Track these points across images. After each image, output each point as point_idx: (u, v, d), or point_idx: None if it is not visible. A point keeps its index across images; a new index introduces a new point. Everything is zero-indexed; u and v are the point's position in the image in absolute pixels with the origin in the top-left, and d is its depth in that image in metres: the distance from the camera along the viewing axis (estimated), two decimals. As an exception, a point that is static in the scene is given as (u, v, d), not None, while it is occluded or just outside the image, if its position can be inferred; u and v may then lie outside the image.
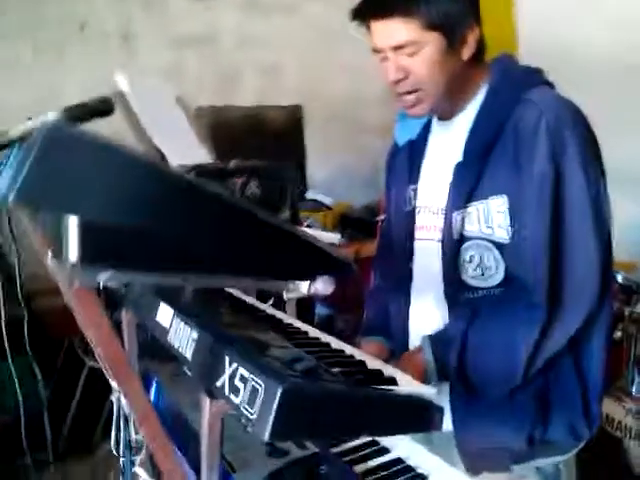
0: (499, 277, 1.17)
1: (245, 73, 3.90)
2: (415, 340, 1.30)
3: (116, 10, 3.57)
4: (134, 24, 3.61)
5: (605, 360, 1.21)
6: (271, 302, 1.58)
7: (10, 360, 1.11)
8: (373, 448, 1.05)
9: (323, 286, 1.49)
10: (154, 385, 1.27)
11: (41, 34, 3.39)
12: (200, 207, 0.62)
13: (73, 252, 0.59)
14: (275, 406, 0.61)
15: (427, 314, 1.27)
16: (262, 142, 3.76)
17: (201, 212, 0.62)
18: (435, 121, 1.32)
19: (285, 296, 1.12)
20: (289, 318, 1.16)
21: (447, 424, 1.22)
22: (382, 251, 1.48)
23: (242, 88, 3.89)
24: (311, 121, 4.02)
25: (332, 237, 0.83)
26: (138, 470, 1.23)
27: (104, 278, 0.68)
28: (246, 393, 0.66)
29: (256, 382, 0.65)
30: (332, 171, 3.97)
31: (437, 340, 1.19)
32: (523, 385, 1.16)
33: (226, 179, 2.21)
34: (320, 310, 3.56)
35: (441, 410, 0.79)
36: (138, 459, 1.23)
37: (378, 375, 0.86)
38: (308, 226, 3.10)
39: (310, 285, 1.54)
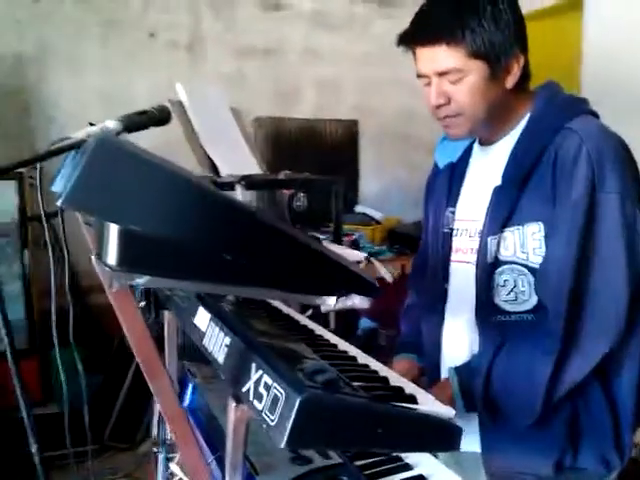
0: (532, 303, 1.17)
1: (305, 86, 3.97)
2: (447, 360, 1.31)
3: (185, 19, 3.70)
4: (201, 33, 3.74)
5: (638, 387, 1.19)
6: (310, 312, 1.61)
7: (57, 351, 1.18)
8: (397, 464, 1.06)
9: (360, 301, 1.51)
10: (190, 386, 1.32)
11: (112, 37, 3.55)
12: (233, 223, 0.66)
13: (112, 257, 0.64)
14: (293, 415, 0.64)
15: (459, 335, 1.27)
16: (318, 154, 3.82)
17: (234, 228, 0.66)
18: (476, 145, 1.33)
19: (322, 308, 1.15)
20: (322, 330, 1.18)
21: (476, 446, 1.23)
22: (418, 270, 1.49)
23: (301, 100, 3.96)
24: (366, 135, 4.06)
25: (358, 255, 0.85)
26: (173, 467, 1.27)
27: (141, 282, 0.72)
28: (268, 400, 0.69)
29: (278, 390, 0.68)
30: (384, 186, 4.00)
31: (463, 371, 1.20)
32: (552, 411, 1.16)
33: (275, 190, 2.27)
34: (364, 323, 3.57)
35: (459, 431, 0.80)
36: (176, 457, 1.28)
37: (398, 392, 0.87)
38: (355, 240, 3.12)
39: (347, 299, 1.56)
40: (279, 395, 0.67)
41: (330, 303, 0.84)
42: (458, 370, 1.21)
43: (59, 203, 0.60)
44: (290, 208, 2.77)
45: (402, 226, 3.46)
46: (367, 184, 4.07)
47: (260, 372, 0.72)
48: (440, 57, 1.14)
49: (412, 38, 1.18)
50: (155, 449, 1.35)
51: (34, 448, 1.03)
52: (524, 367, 1.14)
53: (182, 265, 0.67)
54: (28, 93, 3.43)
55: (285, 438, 0.65)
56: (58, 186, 0.78)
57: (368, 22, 4.02)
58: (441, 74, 1.15)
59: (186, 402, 1.31)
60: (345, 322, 3.29)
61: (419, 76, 1.20)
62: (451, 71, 1.14)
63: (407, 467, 1.05)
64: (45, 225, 1.03)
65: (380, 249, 3.31)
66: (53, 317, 1.15)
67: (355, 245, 3.14)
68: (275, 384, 0.69)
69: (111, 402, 2.89)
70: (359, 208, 3.67)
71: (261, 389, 0.71)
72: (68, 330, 1.17)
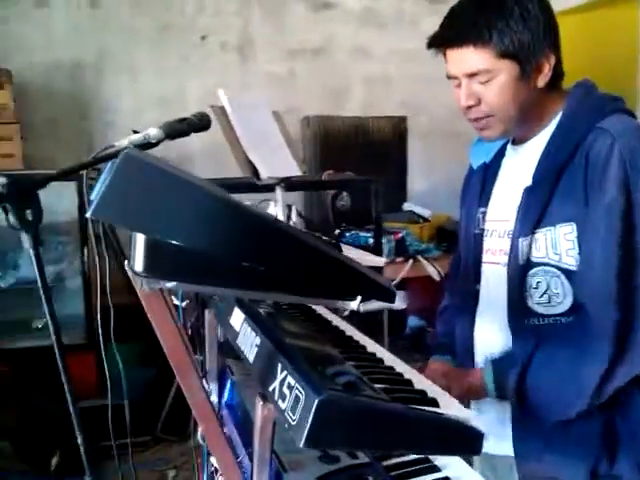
0: (567, 305, 1.16)
1: (354, 84, 3.98)
2: (481, 363, 1.30)
3: (235, 21, 3.77)
4: (251, 34, 3.80)
5: None
6: (347, 312, 1.64)
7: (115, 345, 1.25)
8: (425, 465, 1.08)
9: (397, 301, 1.53)
10: (229, 382, 1.36)
11: (166, 41, 3.65)
12: (252, 232, 0.69)
13: (139, 264, 0.68)
14: (312, 415, 0.67)
15: (491, 337, 1.27)
16: (366, 151, 3.83)
17: (253, 237, 0.69)
18: (509, 145, 1.32)
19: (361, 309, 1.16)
20: (353, 331, 1.20)
21: (509, 449, 1.23)
22: (453, 271, 1.49)
23: (350, 98, 3.98)
24: (415, 132, 4.04)
25: (377, 260, 0.86)
26: (213, 461, 1.32)
27: (169, 286, 0.77)
28: (290, 400, 0.72)
29: (299, 391, 0.71)
30: (433, 183, 3.97)
31: (500, 361, 1.21)
32: (588, 419, 1.14)
33: (318, 190, 2.30)
34: (412, 322, 3.57)
35: (480, 435, 0.81)
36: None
37: (420, 395, 0.88)
38: (402, 237, 3.12)
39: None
40: (300, 395, 0.70)
41: (353, 307, 0.86)
42: (495, 360, 1.22)
43: (88, 215, 0.65)
44: (333, 208, 2.81)
45: (451, 223, 3.42)
46: (416, 181, 4.05)
47: (285, 372, 0.75)
48: (468, 58, 1.14)
49: (440, 40, 1.19)
50: (201, 442, 1.41)
51: (80, 439, 1.10)
52: (569, 366, 1.13)
53: (205, 272, 0.71)
54: (86, 98, 3.58)
55: (304, 437, 0.67)
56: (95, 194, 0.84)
57: (417, 18, 4.00)
58: (470, 75, 1.16)
59: (224, 398, 1.36)
60: (394, 320, 3.30)
61: (449, 77, 1.21)
62: (480, 72, 1.14)
63: (435, 469, 1.06)
64: (102, 224, 1.10)
65: (428, 247, 3.29)
66: (111, 313, 1.22)
67: (402, 243, 3.14)
68: (297, 385, 0.71)
69: (164, 395, 2.99)
70: (407, 206, 3.65)
71: (285, 389, 0.74)
72: (124, 326, 1.25)
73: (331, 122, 3.82)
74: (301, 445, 0.68)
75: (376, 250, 2.58)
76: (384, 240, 3.07)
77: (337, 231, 3.18)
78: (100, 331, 1.26)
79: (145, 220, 0.65)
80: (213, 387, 1.38)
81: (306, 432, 0.67)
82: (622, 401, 1.15)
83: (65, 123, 3.51)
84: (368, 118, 3.91)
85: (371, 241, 3.01)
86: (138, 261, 0.69)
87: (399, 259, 3.15)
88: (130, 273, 0.74)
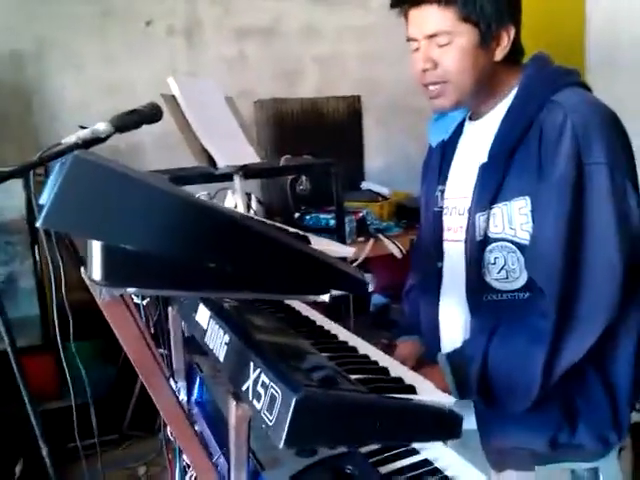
0: (522, 280, 1.16)
1: (307, 64, 3.93)
2: (445, 340, 1.31)
3: (180, 3, 3.66)
4: (199, 17, 3.70)
5: (636, 367, 1.18)
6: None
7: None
8: (402, 449, 1.07)
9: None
10: (198, 379, 1.33)
11: (109, 28, 3.52)
12: (214, 231, 0.66)
13: (97, 273, 0.64)
14: (290, 414, 0.64)
15: (454, 315, 1.27)
16: (322, 133, 3.80)
17: (215, 236, 0.66)
18: (466, 122, 1.31)
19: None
20: (323, 320, 1.18)
21: (473, 423, 1.24)
22: (417, 251, 1.49)
23: (304, 79, 3.92)
24: (370, 111, 4.02)
25: (347, 251, 0.85)
26: (185, 456, 1.30)
27: (130, 292, 0.73)
28: (266, 400, 0.70)
29: (275, 390, 0.69)
30: (391, 161, 3.97)
31: (455, 358, 1.19)
32: (547, 393, 1.15)
33: (276, 177, 2.26)
34: (376, 299, 3.58)
35: (460, 419, 0.80)
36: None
37: (398, 383, 0.87)
38: (363, 217, 3.11)
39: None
40: (276, 394, 0.68)
41: (324, 299, 0.84)
42: (450, 357, 1.20)
43: (38, 224, 0.60)
44: (294, 192, 2.78)
45: (410, 200, 3.43)
46: (373, 160, 4.03)
47: (258, 371, 0.73)
48: (430, 18, 1.14)
49: None
50: (171, 437, 1.38)
51: (44, 449, 1.06)
52: (519, 353, 1.13)
53: (167, 276, 0.67)
54: (29, 90, 3.43)
55: (283, 438, 0.65)
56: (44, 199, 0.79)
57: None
58: (430, 37, 1.15)
59: (194, 396, 1.33)
60: (358, 300, 3.31)
61: (408, 40, 1.20)
62: (440, 33, 1.14)
63: (413, 452, 1.06)
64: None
65: (388, 225, 3.29)
66: (67, 311, 1.18)
67: (363, 223, 3.13)
68: (272, 383, 0.69)
69: (129, 391, 2.93)
70: (365, 185, 3.64)
71: (259, 388, 0.72)
72: (82, 324, 1.20)
73: (285, 104, 3.76)
74: (280, 446, 0.66)
75: (339, 232, 2.56)
76: (345, 220, 3.05)
77: (297, 214, 3.15)
78: (57, 331, 1.22)
79: (100, 226, 0.61)
80: (181, 385, 1.35)
81: (285, 432, 0.65)
82: (579, 376, 1.16)
83: (7, 118, 3.36)
84: (322, 98, 3.87)
85: (332, 222, 2.99)
86: (96, 270, 0.65)
87: (360, 239, 3.14)
88: (88, 282, 0.70)
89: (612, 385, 1.18)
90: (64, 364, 1.25)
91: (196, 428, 1.36)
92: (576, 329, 1.09)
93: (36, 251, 2.99)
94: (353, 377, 0.83)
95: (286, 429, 0.65)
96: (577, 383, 1.17)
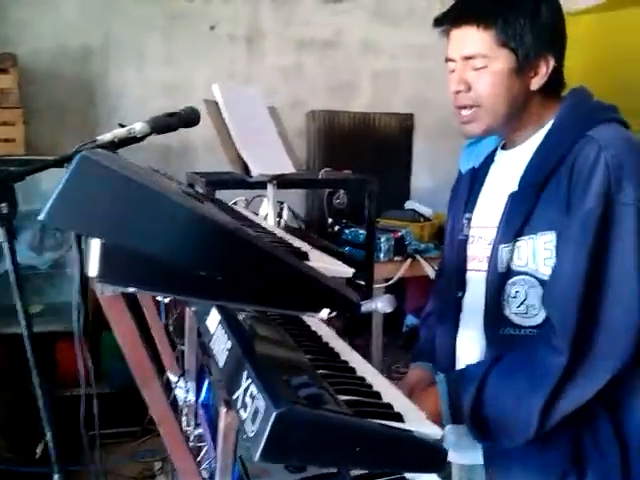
0: (541, 317, 1.14)
1: (363, 79, 3.95)
2: None
3: (244, 12, 3.74)
4: (260, 25, 3.77)
5: None
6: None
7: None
8: (395, 476, 1.06)
9: (382, 305, 1.51)
10: (206, 382, 1.35)
11: (174, 30, 3.63)
12: (209, 240, 0.67)
13: (93, 269, 0.67)
14: (268, 429, 0.65)
15: (471, 346, 1.25)
16: (371, 148, 3.80)
17: (210, 245, 0.67)
18: (498, 150, 1.30)
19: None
20: (330, 336, 1.18)
21: (480, 458, 1.21)
22: (439, 278, 1.47)
23: (358, 93, 3.94)
24: (421, 129, 4.00)
25: (346, 271, 0.85)
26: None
27: (130, 290, 0.75)
28: (251, 411, 0.70)
29: (259, 402, 0.69)
30: (437, 182, 3.93)
31: (454, 379, 1.17)
32: (556, 432, 1.11)
33: (311, 188, 2.27)
34: (409, 320, 3.55)
35: (444, 452, 0.79)
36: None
37: (386, 409, 0.87)
38: (402, 236, 3.09)
39: (371, 302, 1.56)
40: (260, 407, 0.68)
41: (322, 316, 0.85)
42: (448, 379, 1.18)
43: (40, 218, 0.63)
44: (330, 205, 2.79)
45: (453, 224, 3.38)
46: (420, 179, 4.01)
47: (249, 381, 0.73)
48: (469, 40, 1.14)
49: (446, 19, 1.19)
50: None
51: (48, 433, 1.10)
52: (519, 388, 1.10)
53: (162, 279, 0.69)
54: (93, 84, 3.57)
55: (259, 452, 0.66)
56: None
57: (428, 14, 3.93)
58: (467, 58, 1.15)
59: (201, 398, 1.35)
60: (391, 319, 3.29)
61: (447, 60, 1.20)
62: (477, 56, 1.14)
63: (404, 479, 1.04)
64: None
65: (427, 246, 3.25)
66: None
67: (401, 242, 3.11)
68: (259, 395, 0.70)
69: (162, 383, 2.97)
70: (409, 204, 3.62)
71: (247, 398, 0.72)
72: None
73: (337, 117, 3.78)
74: (256, 459, 0.67)
75: (368, 250, 2.55)
76: (383, 238, 3.05)
77: (337, 228, 3.16)
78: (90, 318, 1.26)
79: (98, 225, 0.64)
80: (191, 385, 1.38)
81: (262, 446, 0.66)
82: (590, 423, 1.12)
83: (70, 109, 3.50)
84: (374, 114, 3.87)
85: (369, 239, 2.98)
86: (93, 266, 0.67)
87: (398, 258, 3.12)
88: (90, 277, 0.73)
89: (624, 436, 1.13)
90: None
91: (200, 430, 1.39)
92: (589, 367, 1.06)
93: (82, 239, 3.08)
94: (342, 398, 0.82)
95: (263, 443, 0.65)
96: (588, 429, 1.13)
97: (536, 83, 1.16)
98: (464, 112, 1.19)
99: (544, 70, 1.15)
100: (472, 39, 1.14)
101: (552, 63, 1.16)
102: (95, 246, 0.68)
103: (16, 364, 2.77)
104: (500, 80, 1.14)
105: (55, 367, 2.88)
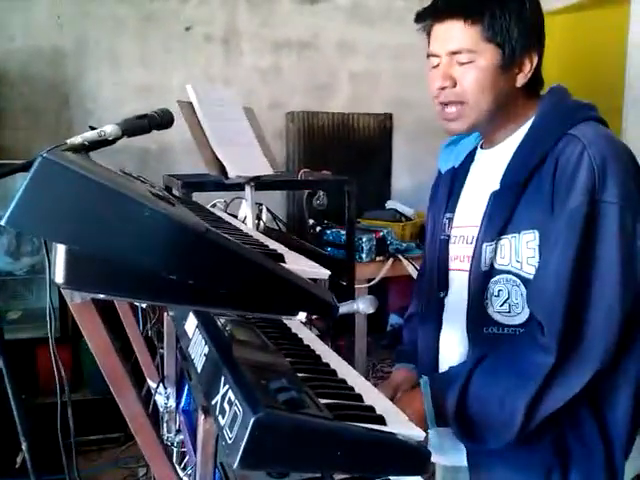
0: (525, 316, 1.13)
1: (340, 79, 3.94)
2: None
3: (220, 12, 3.71)
4: (237, 26, 3.74)
5: (635, 411, 1.13)
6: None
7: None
8: (380, 479, 1.04)
9: (364, 306, 1.49)
10: (186, 387, 1.33)
11: (149, 31, 3.59)
12: (178, 243, 0.65)
13: (59, 275, 0.64)
14: (247, 434, 0.63)
15: (455, 347, 1.24)
16: (351, 148, 3.79)
17: (179, 248, 0.65)
18: (478, 149, 1.29)
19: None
20: (312, 339, 1.17)
21: (464, 460, 1.21)
22: (421, 278, 1.46)
23: (337, 94, 3.93)
24: (401, 130, 4.00)
25: (322, 273, 0.83)
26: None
27: (101, 296, 0.72)
28: (229, 417, 0.68)
29: (237, 408, 0.67)
30: (417, 181, 3.93)
31: (437, 382, 1.16)
32: (540, 432, 1.11)
33: (292, 189, 2.26)
34: (393, 319, 3.55)
35: (427, 455, 0.78)
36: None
37: (367, 412, 0.85)
38: (383, 236, 3.09)
39: (353, 304, 1.54)
40: (238, 412, 0.67)
41: (300, 318, 0.83)
42: (433, 379, 1.16)
43: (1, 223, 0.60)
44: (309, 206, 2.77)
45: (434, 223, 3.38)
46: (400, 179, 4.01)
47: (227, 387, 0.71)
48: (454, 34, 1.13)
49: (430, 12, 1.17)
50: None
51: (23, 443, 1.06)
52: (505, 383, 1.09)
53: (132, 284, 0.67)
54: (67, 87, 3.51)
55: (237, 459, 0.64)
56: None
57: (405, 15, 3.94)
58: (453, 53, 1.13)
59: (181, 404, 1.33)
60: (375, 319, 3.28)
61: (429, 56, 1.18)
62: (463, 51, 1.12)
63: (390, 484, 1.03)
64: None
65: (409, 245, 3.25)
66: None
67: (382, 242, 3.11)
68: (236, 400, 0.68)
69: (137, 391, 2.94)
70: (390, 204, 3.62)
71: (225, 404, 0.70)
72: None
73: (316, 118, 3.77)
74: (234, 466, 0.65)
75: (349, 250, 2.55)
76: (365, 238, 3.04)
77: (318, 229, 3.14)
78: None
79: (61, 229, 0.61)
80: (171, 391, 1.35)
81: (240, 452, 0.64)
82: (574, 421, 1.12)
83: (44, 112, 3.45)
84: (354, 114, 3.86)
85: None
86: (59, 272, 0.65)
87: (379, 258, 3.11)
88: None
89: (607, 426, 1.13)
90: (54, 359, 1.25)
91: (181, 437, 1.36)
92: (573, 369, 1.05)
93: (49, 244, 3.04)
94: (323, 401, 0.81)
95: (241, 449, 0.64)
96: (572, 426, 1.13)
97: (521, 80, 1.16)
98: (448, 109, 1.17)
99: (528, 67, 1.15)
100: (458, 34, 1.12)
101: (536, 60, 1.15)
102: (60, 251, 0.65)
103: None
104: (486, 76, 1.13)
105: (36, 374, 2.84)
